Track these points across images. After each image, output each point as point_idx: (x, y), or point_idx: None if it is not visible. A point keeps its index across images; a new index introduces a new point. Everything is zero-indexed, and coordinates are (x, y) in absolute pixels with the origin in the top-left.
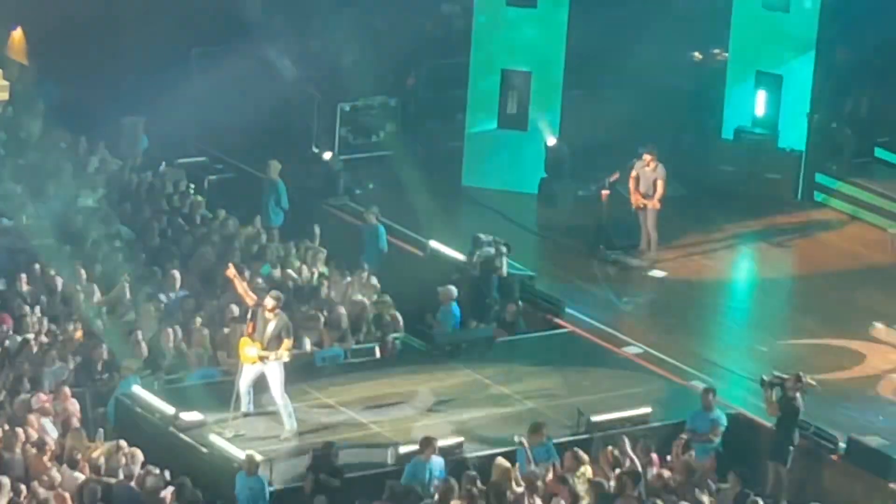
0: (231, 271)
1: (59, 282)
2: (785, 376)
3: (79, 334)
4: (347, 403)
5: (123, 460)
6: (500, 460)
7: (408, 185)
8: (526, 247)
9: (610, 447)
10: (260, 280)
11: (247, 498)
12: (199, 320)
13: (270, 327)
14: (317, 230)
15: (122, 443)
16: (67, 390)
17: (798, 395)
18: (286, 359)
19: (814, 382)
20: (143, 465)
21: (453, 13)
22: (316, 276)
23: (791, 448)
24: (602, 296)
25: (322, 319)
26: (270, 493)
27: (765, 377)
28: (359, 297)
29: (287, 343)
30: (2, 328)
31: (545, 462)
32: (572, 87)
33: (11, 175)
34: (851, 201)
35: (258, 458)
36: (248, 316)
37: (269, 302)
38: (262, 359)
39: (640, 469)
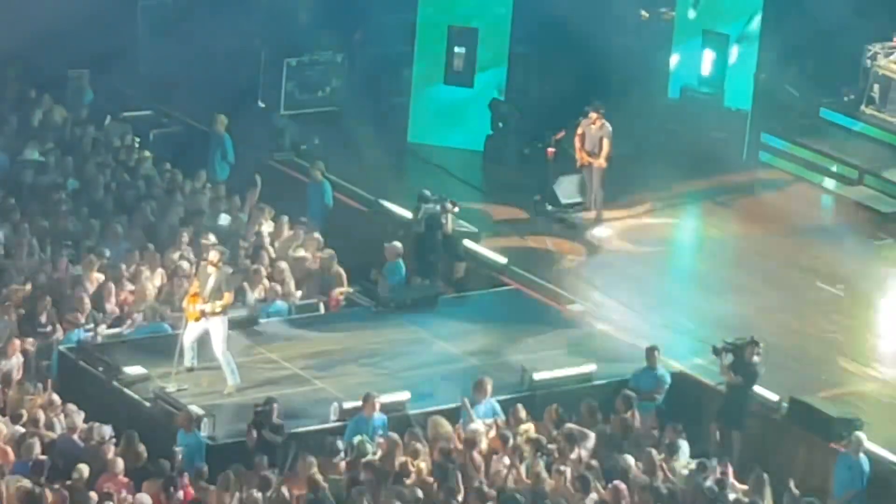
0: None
1: (2, 235)
2: (738, 342)
3: (22, 288)
4: (291, 359)
5: (62, 414)
6: (438, 418)
7: (354, 141)
8: (471, 204)
9: (555, 405)
10: (211, 236)
11: (185, 454)
12: (143, 274)
13: (211, 281)
14: (258, 181)
15: (55, 397)
16: (16, 343)
17: (755, 359)
18: (219, 310)
19: (763, 345)
20: (86, 419)
21: None
22: (260, 231)
23: (745, 413)
24: (546, 253)
25: (266, 274)
26: (212, 448)
27: (716, 345)
28: (303, 252)
29: (227, 297)
30: None
31: (488, 419)
32: (519, 44)
33: None
34: (796, 161)
35: (194, 414)
36: (193, 271)
37: (212, 255)
38: (202, 313)
39: (581, 429)
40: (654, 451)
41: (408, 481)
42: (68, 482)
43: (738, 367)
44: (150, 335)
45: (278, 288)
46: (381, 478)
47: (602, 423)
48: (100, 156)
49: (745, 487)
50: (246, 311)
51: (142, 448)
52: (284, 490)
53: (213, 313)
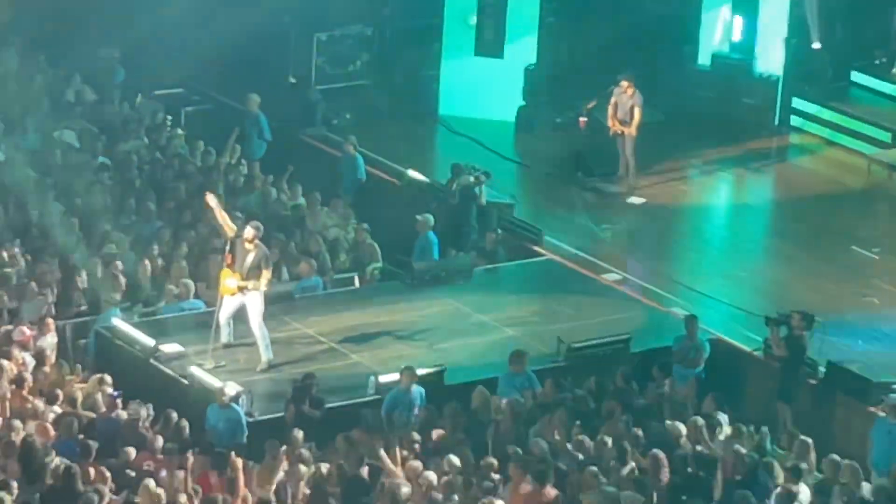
0: (211, 200)
1: (36, 215)
2: (788, 314)
3: (56, 267)
4: (327, 334)
5: (102, 396)
6: (480, 388)
7: (385, 115)
8: (504, 175)
9: (593, 377)
10: (239, 213)
11: (225, 430)
12: (178, 252)
13: (249, 258)
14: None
15: (107, 378)
16: (51, 322)
17: (804, 333)
18: (264, 287)
19: (820, 320)
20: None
21: None
22: (295, 206)
23: (798, 387)
24: (581, 223)
25: (300, 250)
26: (249, 424)
27: (770, 316)
28: (336, 227)
29: (266, 273)
30: None
31: (526, 390)
32: (549, 13)
33: None
34: (828, 126)
35: (230, 390)
36: (227, 247)
37: (248, 232)
38: (241, 289)
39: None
40: (698, 419)
41: (444, 453)
42: (110, 460)
43: (790, 339)
44: (185, 312)
45: (313, 262)
46: (418, 450)
47: (638, 392)
48: (131, 134)
49: (783, 452)
50: (281, 287)
51: (183, 424)
52: (323, 466)
53: (257, 289)
